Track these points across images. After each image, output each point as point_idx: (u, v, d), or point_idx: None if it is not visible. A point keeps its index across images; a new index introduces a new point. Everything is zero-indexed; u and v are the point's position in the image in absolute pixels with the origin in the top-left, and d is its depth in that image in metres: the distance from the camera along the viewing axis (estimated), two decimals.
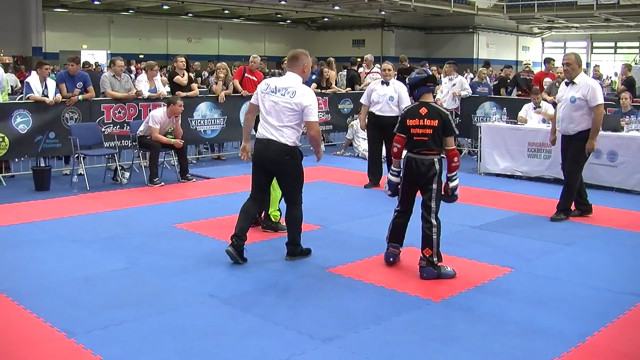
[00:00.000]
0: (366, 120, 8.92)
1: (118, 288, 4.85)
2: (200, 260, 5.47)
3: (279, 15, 34.07)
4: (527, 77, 12.61)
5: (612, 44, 38.36)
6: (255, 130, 5.56)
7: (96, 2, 28.81)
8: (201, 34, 35.08)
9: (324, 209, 7.42)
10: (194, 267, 5.32)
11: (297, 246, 5.53)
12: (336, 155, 11.91)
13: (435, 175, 5.05)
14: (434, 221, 5.06)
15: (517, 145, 9.54)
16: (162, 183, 8.86)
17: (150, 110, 9.57)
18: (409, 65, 14.25)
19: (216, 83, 11.12)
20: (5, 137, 8.75)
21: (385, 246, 5.44)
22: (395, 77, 9.43)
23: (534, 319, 4.30)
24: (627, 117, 9.06)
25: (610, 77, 22.22)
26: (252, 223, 5.68)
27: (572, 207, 7.11)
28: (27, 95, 9.18)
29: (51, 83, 9.44)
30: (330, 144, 13.18)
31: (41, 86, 9.19)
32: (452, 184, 5.12)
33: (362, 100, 9.05)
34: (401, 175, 5.25)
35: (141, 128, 8.97)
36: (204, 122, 10.79)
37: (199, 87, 11.60)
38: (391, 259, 5.38)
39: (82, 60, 16.46)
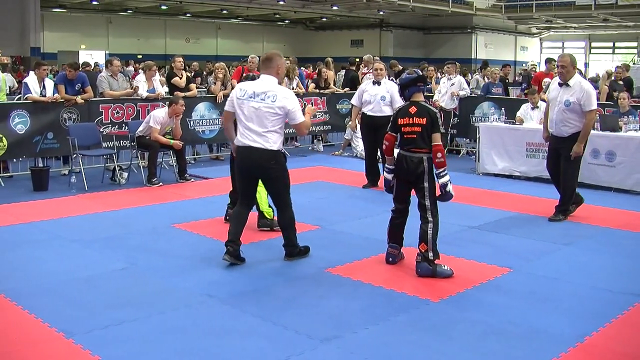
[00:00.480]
0: (357, 121, 8.92)
1: (117, 288, 4.84)
2: (199, 260, 5.47)
3: (278, 16, 34.05)
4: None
5: (611, 44, 38.41)
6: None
7: (94, 3, 28.79)
8: (199, 34, 35.07)
9: (322, 209, 7.42)
10: (193, 267, 5.33)
11: (295, 247, 5.50)
12: (334, 155, 11.92)
13: (424, 172, 5.10)
14: (430, 218, 5.10)
15: (516, 146, 9.55)
16: (161, 183, 8.86)
17: (148, 111, 9.57)
18: (401, 68, 14.26)
19: (214, 83, 11.12)
20: (4, 138, 8.75)
21: (385, 246, 5.45)
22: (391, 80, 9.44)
23: (532, 319, 4.30)
24: (625, 117, 9.06)
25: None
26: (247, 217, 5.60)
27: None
28: (26, 96, 9.18)
29: (49, 83, 9.44)
30: (328, 144, 13.19)
31: (39, 86, 9.19)
32: (441, 181, 5.12)
33: (353, 101, 9.04)
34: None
35: (140, 128, 8.97)
36: (202, 122, 10.79)
37: (197, 88, 11.59)
38: (390, 259, 5.40)
39: (81, 60, 16.47)
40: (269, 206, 6.33)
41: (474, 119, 11.68)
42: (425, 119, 5.09)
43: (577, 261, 5.62)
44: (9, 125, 8.80)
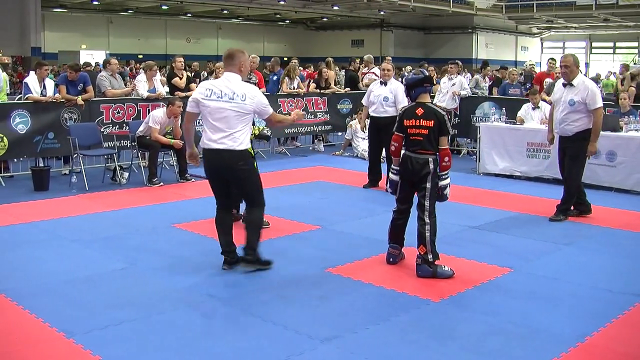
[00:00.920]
0: (366, 121, 8.95)
1: (117, 288, 4.84)
2: (199, 260, 5.47)
3: (278, 16, 34.08)
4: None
5: (611, 44, 38.43)
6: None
7: (95, 2, 28.83)
8: (200, 34, 35.11)
9: (322, 209, 7.42)
10: (193, 267, 5.32)
11: (254, 250, 5.15)
12: (335, 155, 11.92)
13: (428, 174, 5.08)
14: (427, 219, 5.09)
15: (516, 146, 9.55)
16: (161, 183, 8.86)
17: (149, 111, 9.57)
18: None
19: None
20: (4, 138, 8.75)
21: (386, 246, 5.44)
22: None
23: (533, 319, 4.30)
24: (626, 117, 9.06)
25: (609, 76, 22.14)
26: (232, 219, 5.52)
27: (571, 207, 7.12)
28: (26, 96, 9.18)
29: (50, 83, 9.44)
30: (329, 144, 13.19)
31: (40, 86, 9.19)
32: (441, 183, 5.12)
33: (363, 101, 9.08)
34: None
35: (141, 128, 8.98)
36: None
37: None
38: (391, 259, 5.40)
39: (82, 60, 16.44)
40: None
41: (474, 119, 11.67)
42: (432, 121, 5.06)
43: (578, 261, 5.62)
44: (10, 125, 8.80)
